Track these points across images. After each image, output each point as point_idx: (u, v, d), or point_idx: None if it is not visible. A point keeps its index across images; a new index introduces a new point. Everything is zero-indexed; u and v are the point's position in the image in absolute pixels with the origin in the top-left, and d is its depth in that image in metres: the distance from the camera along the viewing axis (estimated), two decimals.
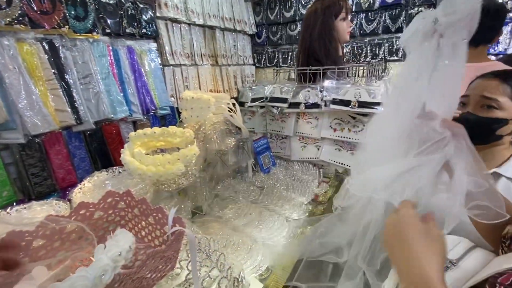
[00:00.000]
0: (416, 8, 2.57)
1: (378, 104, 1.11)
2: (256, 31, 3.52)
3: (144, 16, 2.26)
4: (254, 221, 0.95)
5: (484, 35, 1.27)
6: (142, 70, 2.19)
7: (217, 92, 3.01)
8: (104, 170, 0.88)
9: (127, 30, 2.15)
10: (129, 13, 2.17)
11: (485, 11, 1.21)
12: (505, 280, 0.38)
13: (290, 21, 3.24)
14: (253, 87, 1.52)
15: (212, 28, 2.88)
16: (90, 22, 1.85)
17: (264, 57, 3.60)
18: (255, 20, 3.51)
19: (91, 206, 0.64)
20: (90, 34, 1.85)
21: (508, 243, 0.50)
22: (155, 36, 2.35)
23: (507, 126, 0.79)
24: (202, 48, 2.78)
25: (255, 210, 1.00)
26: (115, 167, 0.89)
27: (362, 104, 1.13)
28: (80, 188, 0.78)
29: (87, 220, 0.64)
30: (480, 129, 0.80)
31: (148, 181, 0.80)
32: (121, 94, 2.04)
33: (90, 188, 0.78)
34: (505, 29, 2.45)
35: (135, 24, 2.21)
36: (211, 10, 2.78)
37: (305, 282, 0.76)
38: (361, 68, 1.45)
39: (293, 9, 3.20)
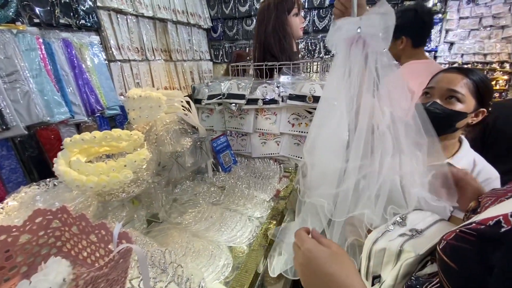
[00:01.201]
0: None
1: None
2: (211, 25, 3.42)
3: (81, 5, 2.01)
4: (216, 224, 0.91)
5: (429, 36, 1.51)
6: (83, 66, 1.96)
7: (173, 89, 2.86)
8: (34, 183, 0.75)
9: (61, 21, 1.91)
10: (62, 1, 1.91)
11: (428, 15, 1.41)
12: (448, 236, 0.43)
13: (246, 16, 3.22)
14: (209, 84, 1.46)
15: (163, 21, 2.71)
16: (12, 10, 1.59)
17: (221, 53, 3.52)
18: (210, 14, 3.40)
19: (14, 229, 0.54)
20: (13, 24, 1.59)
21: (468, 215, 0.56)
22: (97, 28, 2.12)
23: (465, 119, 0.86)
24: (153, 42, 2.59)
25: (216, 212, 0.96)
26: (48, 179, 0.77)
27: (317, 99, 1.16)
28: (2, 208, 0.65)
29: (9, 247, 0.54)
30: (444, 120, 0.86)
31: (90, 193, 0.71)
32: (59, 94, 1.81)
33: (15, 207, 0.66)
34: (435, 28, 2.77)
35: (71, 13, 1.97)
36: (161, 2, 2.61)
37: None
38: (315, 63, 1.49)
39: (248, 4, 3.17)
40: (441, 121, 0.86)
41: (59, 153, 0.73)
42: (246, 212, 0.99)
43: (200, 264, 0.73)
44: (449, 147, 0.93)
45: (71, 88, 1.87)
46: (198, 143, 1.07)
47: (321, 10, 2.84)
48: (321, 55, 2.88)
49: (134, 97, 0.95)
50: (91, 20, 2.07)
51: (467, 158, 0.90)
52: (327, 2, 2.77)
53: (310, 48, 2.92)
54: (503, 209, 0.38)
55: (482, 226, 0.38)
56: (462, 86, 0.84)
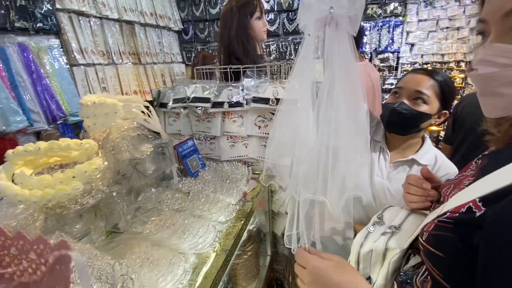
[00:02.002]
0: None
1: None
2: (182, 27, 3.37)
3: (39, 8, 1.91)
4: (178, 231, 0.89)
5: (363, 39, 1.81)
6: (42, 71, 1.86)
7: (144, 93, 2.78)
8: None
9: (17, 24, 1.80)
10: (18, 4, 1.81)
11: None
12: (428, 227, 0.47)
13: (217, 18, 3.21)
14: (174, 87, 1.44)
15: (130, 23, 2.63)
16: None
17: (193, 55, 3.48)
18: (180, 16, 3.35)
19: None
20: None
21: (434, 205, 0.62)
22: (56, 31, 2.02)
23: (429, 120, 0.90)
24: (120, 45, 2.51)
25: (178, 219, 0.94)
26: None
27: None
28: None
29: None
30: (410, 120, 0.90)
31: (36, 208, 0.67)
32: (15, 102, 1.70)
33: None
34: (397, 31, 2.92)
35: (28, 17, 1.86)
36: (126, 3, 2.53)
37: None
38: (283, 65, 1.51)
39: (218, 6, 3.16)
40: (408, 121, 0.90)
41: (0, 167, 0.69)
42: (211, 217, 0.98)
43: (158, 274, 0.71)
44: (412, 145, 0.98)
45: (28, 95, 1.77)
46: (160, 149, 1.05)
47: (290, 13, 2.90)
48: (292, 57, 2.94)
49: (88, 104, 0.91)
50: (50, 23, 1.96)
51: (429, 155, 0.96)
52: (295, 5, 2.83)
53: (281, 50, 2.98)
54: (468, 196, 0.43)
55: (457, 214, 0.43)
56: (428, 88, 0.88)
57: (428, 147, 0.98)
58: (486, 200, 0.40)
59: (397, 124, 0.93)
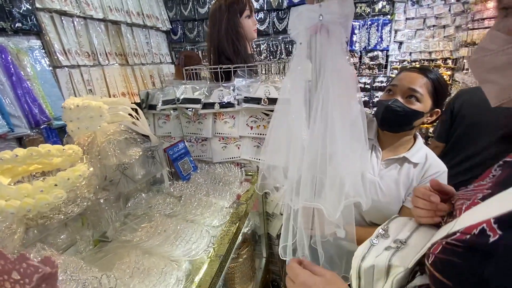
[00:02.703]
0: None
1: None
2: (170, 27, 3.30)
3: (17, 8, 1.82)
4: (170, 237, 0.86)
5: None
6: (22, 74, 1.77)
7: (132, 94, 2.71)
8: None
9: None
10: None
11: None
12: (435, 249, 0.43)
13: (206, 17, 3.16)
14: (163, 89, 1.40)
15: (116, 23, 2.55)
16: None
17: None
18: (168, 16, 3.28)
19: None
20: None
21: (445, 219, 0.56)
22: (37, 32, 1.93)
23: (421, 118, 0.90)
24: (106, 46, 2.43)
25: (170, 225, 0.91)
26: None
27: (272, 101, 1.16)
28: None
29: None
30: (403, 118, 0.90)
31: (14, 219, 0.63)
32: None
33: None
34: (385, 29, 2.96)
35: (5, 16, 1.77)
36: (112, 3, 2.45)
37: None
38: (273, 64, 1.49)
39: (207, 5, 3.12)
40: (401, 119, 0.90)
41: None
42: (204, 221, 0.95)
43: (149, 284, 0.68)
44: (404, 143, 0.98)
45: (8, 99, 1.68)
46: (149, 152, 1.01)
47: (280, 12, 2.89)
48: (282, 56, 2.93)
49: (71, 107, 0.87)
50: (30, 23, 1.88)
51: (420, 153, 0.96)
52: (285, 4, 2.82)
53: (272, 49, 2.96)
54: (482, 214, 0.38)
55: (468, 236, 0.38)
56: (422, 86, 0.88)
57: (419, 145, 0.98)
58: (503, 222, 0.34)
59: (390, 121, 0.93)
